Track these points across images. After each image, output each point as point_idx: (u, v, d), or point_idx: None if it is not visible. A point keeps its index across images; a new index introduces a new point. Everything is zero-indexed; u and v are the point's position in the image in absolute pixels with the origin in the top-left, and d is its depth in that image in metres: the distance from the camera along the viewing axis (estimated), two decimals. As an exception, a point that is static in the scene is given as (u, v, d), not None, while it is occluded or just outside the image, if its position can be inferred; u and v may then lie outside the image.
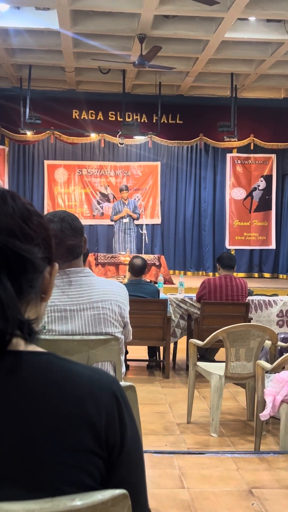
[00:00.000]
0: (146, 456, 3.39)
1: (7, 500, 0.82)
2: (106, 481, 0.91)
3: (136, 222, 10.82)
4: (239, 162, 12.89)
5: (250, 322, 5.68)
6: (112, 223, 10.94)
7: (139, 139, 12.34)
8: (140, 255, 9.58)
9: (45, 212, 11.73)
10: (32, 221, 0.94)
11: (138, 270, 5.89)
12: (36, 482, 0.84)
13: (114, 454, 0.91)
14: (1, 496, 0.82)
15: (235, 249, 12.70)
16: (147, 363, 6.29)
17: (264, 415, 3.66)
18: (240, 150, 12.81)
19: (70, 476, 0.86)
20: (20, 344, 0.91)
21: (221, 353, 5.62)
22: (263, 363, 3.86)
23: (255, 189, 12.91)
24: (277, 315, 6.70)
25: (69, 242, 2.26)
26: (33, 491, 0.83)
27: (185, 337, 6.28)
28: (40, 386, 0.88)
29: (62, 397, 0.88)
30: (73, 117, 12.26)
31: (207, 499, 3.09)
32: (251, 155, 12.84)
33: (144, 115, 12.37)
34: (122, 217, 10.66)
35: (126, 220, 10.65)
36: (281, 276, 12.82)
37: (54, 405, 0.87)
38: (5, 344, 0.88)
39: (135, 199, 11.98)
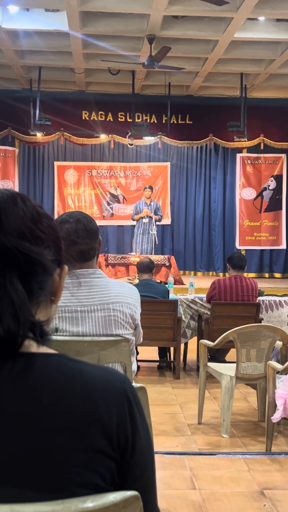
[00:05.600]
0: (157, 457, 3.40)
1: (18, 502, 0.82)
2: (117, 482, 0.91)
3: (157, 223, 10.87)
4: (249, 162, 12.86)
5: (260, 322, 5.67)
6: (134, 222, 11.03)
7: (149, 139, 12.34)
8: (149, 256, 9.61)
9: (56, 214, 11.85)
10: (42, 223, 0.95)
11: (145, 266, 5.93)
12: (47, 483, 0.84)
13: (125, 454, 0.91)
14: (13, 497, 0.82)
15: (245, 249, 12.66)
16: (157, 363, 6.29)
17: (276, 418, 3.65)
18: (250, 150, 12.78)
19: (81, 477, 0.86)
20: (32, 346, 0.91)
21: (231, 354, 5.61)
22: (274, 363, 3.85)
23: (265, 189, 12.87)
24: (288, 316, 6.67)
25: (83, 244, 2.26)
26: (44, 493, 0.83)
27: (195, 338, 6.27)
28: (52, 387, 0.88)
29: (73, 398, 0.88)
30: (83, 118, 12.28)
31: (218, 500, 3.08)
32: (261, 155, 12.80)
33: (153, 116, 12.37)
34: (142, 217, 10.73)
35: (145, 220, 10.72)
36: (291, 276, 12.78)
37: (66, 406, 0.87)
38: (17, 346, 0.88)
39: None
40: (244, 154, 12.85)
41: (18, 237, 0.89)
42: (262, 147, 12.66)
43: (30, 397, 0.86)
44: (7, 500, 0.82)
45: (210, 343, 4.56)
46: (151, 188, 11.08)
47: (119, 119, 12.33)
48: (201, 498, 3.09)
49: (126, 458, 0.91)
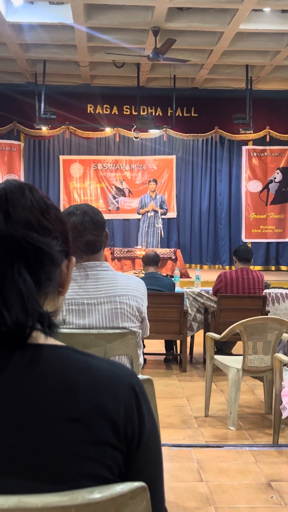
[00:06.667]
0: (164, 450, 3.40)
1: (26, 493, 0.82)
2: (124, 474, 0.91)
3: (163, 216, 10.87)
4: (255, 154, 12.81)
5: (267, 315, 5.66)
6: (139, 216, 11.02)
7: (154, 132, 12.31)
8: (155, 249, 9.62)
9: (61, 208, 11.83)
10: (50, 214, 0.95)
11: (151, 259, 5.95)
12: (54, 474, 0.84)
13: (132, 447, 0.91)
14: (20, 488, 0.82)
15: (252, 242, 12.64)
16: (164, 356, 6.29)
17: (284, 416, 3.65)
18: (256, 142, 12.73)
19: (88, 469, 0.86)
20: (40, 337, 0.91)
21: (238, 347, 5.61)
22: (281, 356, 3.84)
23: (271, 181, 12.82)
24: (295, 308, 6.66)
25: (89, 236, 2.26)
26: (51, 484, 0.83)
27: (202, 331, 6.28)
28: (59, 379, 0.88)
29: (80, 391, 0.88)
30: (88, 111, 12.26)
31: (225, 492, 3.08)
32: (267, 147, 12.75)
33: (158, 109, 12.34)
34: (147, 211, 10.73)
35: (151, 214, 10.72)
36: (298, 269, 12.75)
37: (73, 398, 0.87)
38: (25, 337, 0.88)
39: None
40: (250, 146, 12.80)
41: (26, 228, 0.89)
42: (268, 140, 12.60)
43: (38, 388, 0.86)
44: (14, 491, 0.82)
45: (217, 336, 4.56)
46: (155, 181, 11.08)
47: (124, 112, 12.31)
48: (208, 490, 3.10)
49: (132, 451, 0.92)
